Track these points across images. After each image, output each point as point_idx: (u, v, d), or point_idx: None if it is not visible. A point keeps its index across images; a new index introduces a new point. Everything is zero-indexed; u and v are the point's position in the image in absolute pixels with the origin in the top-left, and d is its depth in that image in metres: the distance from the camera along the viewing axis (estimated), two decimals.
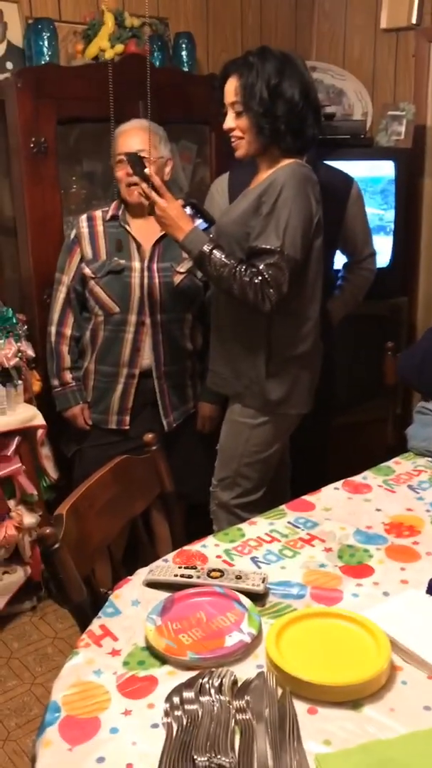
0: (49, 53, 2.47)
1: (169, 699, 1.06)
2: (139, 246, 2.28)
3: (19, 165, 2.39)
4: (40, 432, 2.45)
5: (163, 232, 2.12)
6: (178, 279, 2.30)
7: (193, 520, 2.40)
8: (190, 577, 1.35)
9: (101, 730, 1.02)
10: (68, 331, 2.37)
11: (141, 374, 2.33)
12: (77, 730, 1.02)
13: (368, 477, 1.84)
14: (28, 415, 2.42)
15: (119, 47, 2.56)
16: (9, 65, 2.51)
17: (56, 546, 1.26)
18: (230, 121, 1.92)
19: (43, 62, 2.47)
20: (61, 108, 2.39)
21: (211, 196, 2.46)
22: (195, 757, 0.95)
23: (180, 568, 1.39)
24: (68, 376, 2.39)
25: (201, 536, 1.56)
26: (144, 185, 1.89)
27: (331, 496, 1.74)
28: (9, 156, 2.46)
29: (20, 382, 2.42)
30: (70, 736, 1.01)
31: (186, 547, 1.51)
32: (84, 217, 2.33)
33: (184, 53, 2.82)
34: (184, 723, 1.02)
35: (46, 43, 2.46)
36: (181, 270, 2.30)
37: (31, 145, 2.35)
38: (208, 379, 2.22)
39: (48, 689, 2.22)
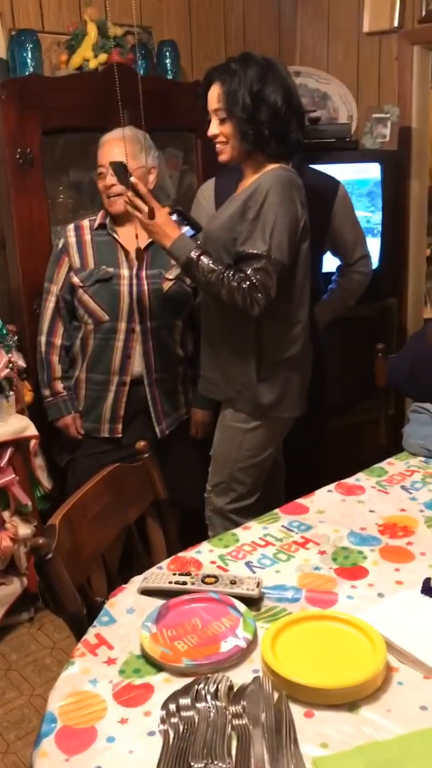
0: (33, 64, 2.47)
1: (165, 706, 1.06)
2: (127, 254, 2.28)
3: (5, 176, 2.40)
4: (32, 442, 2.45)
5: (151, 240, 2.12)
6: (167, 286, 2.30)
7: (189, 526, 2.39)
8: (184, 583, 1.35)
9: (98, 739, 1.02)
10: (58, 341, 2.37)
11: (132, 382, 2.33)
12: (74, 741, 1.01)
13: (361, 478, 1.84)
14: (21, 425, 2.42)
15: (103, 57, 2.57)
16: None
17: (49, 556, 1.26)
18: (214, 128, 1.93)
19: (27, 73, 2.47)
20: (47, 118, 2.40)
21: (197, 203, 2.46)
22: (192, 763, 0.95)
23: (174, 574, 1.39)
24: (59, 385, 2.38)
25: (196, 543, 1.56)
26: (129, 194, 1.89)
27: (324, 498, 1.75)
28: None
29: (12, 392, 2.42)
30: (66, 747, 1.00)
31: (180, 554, 1.51)
32: (71, 226, 2.33)
33: (168, 61, 2.83)
34: (181, 730, 1.01)
35: (29, 54, 2.47)
36: (170, 277, 2.31)
37: (17, 156, 2.36)
38: (199, 385, 2.22)
39: (47, 700, 2.21)
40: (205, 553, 1.51)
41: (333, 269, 2.60)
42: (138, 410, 2.37)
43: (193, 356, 2.42)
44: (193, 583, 1.35)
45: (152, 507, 1.74)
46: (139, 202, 1.88)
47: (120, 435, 2.37)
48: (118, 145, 2.21)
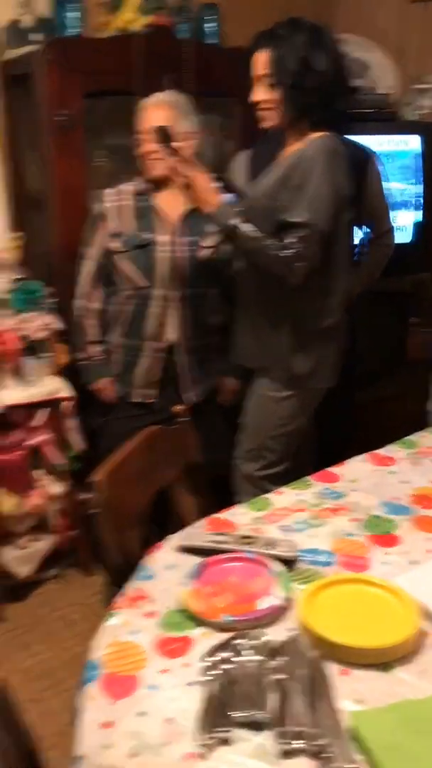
0: (77, 25, 2.46)
1: (205, 658, 1.09)
2: (165, 220, 2.28)
3: (46, 138, 2.40)
4: (66, 404, 2.49)
5: (190, 206, 2.13)
6: (204, 253, 2.31)
7: (212, 493, 2.43)
8: (221, 543, 1.38)
9: (140, 687, 1.06)
10: (94, 305, 2.39)
11: (166, 348, 2.35)
12: (118, 686, 1.06)
13: (392, 450, 1.86)
14: (55, 387, 2.46)
15: (146, 19, 2.54)
16: (36, 37, 2.50)
17: (96, 510, 1.30)
18: (260, 94, 1.92)
19: (70, 34, 2.46)
20: (88, 81, 2.39)
21: (231, 173, 2.45)
22: (232, 713, 0.99)
23: (211, 534, 1.43)
24: (94, 349, 2.41)
25: (224, 508, 1.59)
26: (174, 159, 1.89)
27: (355, 468, 1.77)
28: (36, 129, 2.46)
29: (48, 354, 2.45)
30: (111, 692, 1.05)
31: (216, 515, 1.55)
32: (111, 190, 2.33)
33: (210, 25, 2.80)
34: (221, 682, 1.05)
35: (73, 14, 2.45)
36: (207, 244, 2.31)
37: (59, 119, 2.36)
38: (233, 353, 2.24)
39: (75, 654, 2.28)
40: (240, 516, 1.55)
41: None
42: (170, 377, 2.39)
43: (226, 325, 2.43)
44: (229, 543, 1.38)
45: (185, 470, 1.78)
46: (183, 168, 1.88)
47: (152, 400, 2.39)
48: (160, 110, 2.20)
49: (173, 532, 1.48)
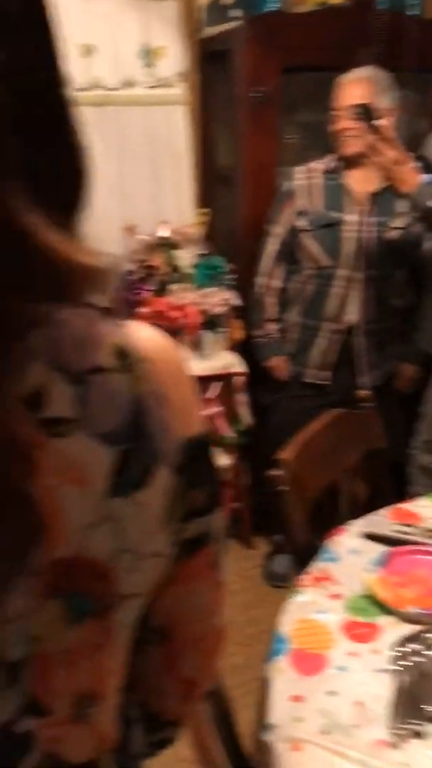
0: (277, 0, 2.44)
1: (397, 648, 1.08)
2: (355, 199, 2.24)
3: (239, 115, 2.42)
4: (239, 379, 2.53)
5: (381, 185, 2.07)
6: (392, 234, 2.24)
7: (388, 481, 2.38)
8: (408, 534, 1.35)
9: (329, 666, 1.07)
10: (275, 283, 2.40)
11: (344, 330, 2.31)
12: (307, 663, 1.07)
13: None
14: (229, 361, 2.51)
15: None
16: (236, 13, 2.51)
17: (282, 488, 1.31)
18: None
19: (270, 9, 2.44)
20: (287, 57, 2.37)
21: (426, 152, 2.35)
22: (426, 707, 0.97)
23: (396, 524, 1.40)
24: (271, 327, 2.42)
25: (394, 497, 1.56)
26: (374, 137, 1.85)
27: None
28: (230, 105, 2.49)
29: (224, 329, 2.50)
30: (300, 667, 1.06)
31: (399, 505, 1.51)
32: (301, 168, 2.32)
33: None
34: (412, 674, 1.03)
35: None
36: (397, 225, 2.24)
37: (254, 95, 2.36)
38: (417, 338, 2.17)
39: (234, 623, 2.32)
40: (425, 508, 1.50)
41: None
42: (346, 359, 2.34)
43: (410, 309, 2.36)
44: (416, 535, 1.35)
45: (365, 456, 1.75)
46: (383, 146, 1.83)
47: (326, 382, 2.37)
48: (359, 86, 2.15)
49: (348, 516, 1.47)
